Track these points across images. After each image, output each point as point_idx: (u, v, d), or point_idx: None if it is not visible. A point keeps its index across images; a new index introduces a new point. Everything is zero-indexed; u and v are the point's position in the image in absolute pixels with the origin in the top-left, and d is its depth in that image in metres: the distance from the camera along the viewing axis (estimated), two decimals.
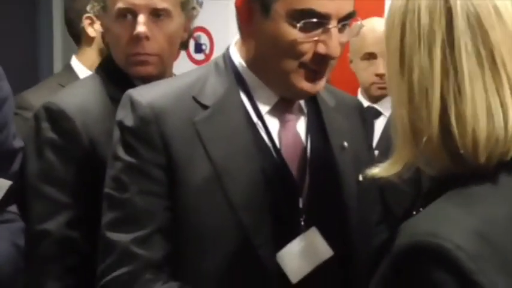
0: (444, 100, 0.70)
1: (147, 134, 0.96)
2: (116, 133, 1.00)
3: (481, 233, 0.67)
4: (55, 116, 1.17)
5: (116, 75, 1.27)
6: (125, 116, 0.97)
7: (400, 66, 0.73)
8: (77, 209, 1.16)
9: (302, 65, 0.95)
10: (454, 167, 0.72)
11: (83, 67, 1.81)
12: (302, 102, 1.06)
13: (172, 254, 1.00)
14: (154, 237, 0.98)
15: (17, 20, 2.74)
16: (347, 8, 0.94)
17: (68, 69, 1.85)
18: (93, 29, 1.76)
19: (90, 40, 1.81)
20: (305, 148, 1.05)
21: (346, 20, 0.94)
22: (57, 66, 2.66)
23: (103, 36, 1.48)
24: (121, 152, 0.98)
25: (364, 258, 1.07)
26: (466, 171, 0.71)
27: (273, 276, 0.97)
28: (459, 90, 0.69)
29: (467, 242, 0.65)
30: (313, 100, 1.08)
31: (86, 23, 1.77)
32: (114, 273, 0.97)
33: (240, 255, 0.97)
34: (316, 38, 0.92)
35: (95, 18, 1.67)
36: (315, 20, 0.90)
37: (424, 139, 0.71)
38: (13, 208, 1.24)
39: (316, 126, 1.08)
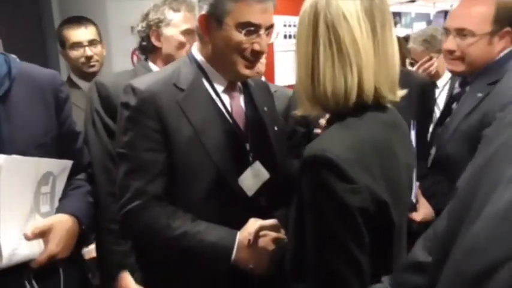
0: (313, 71, 1.00)
1: (147, 109, 1.28)
2: (123, 111, 1.31)
3: (352, 146, 0.93)
4: (99, 87, 1.71)
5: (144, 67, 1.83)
6: (129, 99, 1.30)
7: (297, 46, 1.04)
8: None
9: (244, 58, 1.33)
10: (335, 109, 1.01)
11: (76, 78, 2.29)
12: (239, 83, 1.46)
13: (169, 188, 1.32)
14: (157, 179, 1.30)
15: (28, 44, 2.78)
16: (270, 20, 1.35)
17: (69, 81, 2.29)
18: (64, 58, 2.32)
19: (67, 63, 2.33)
20: (245, 112, 1.45)
21: (270, 28, 1.35)
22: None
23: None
24: (129, 124, 1.30)
25: (286, 176, 1.49)
26: (342, 112, 1.00)
27: (237, 194, 1.35)
28: (318, 65, 0.98)
29: (343, 152, 0.90)
30: (244, 83, 1.48)
31: (61, 56, 2.33)
32: (130, 205, 1.30)
33: (215, 183, 1.32)
34: (253, 40, 1.31)
35: (61, 51, 2.32)
36: (252, 28, 1.30)
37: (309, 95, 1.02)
38: (81, 176, 1.51)
39: (249, 98, 1.49)
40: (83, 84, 2.27)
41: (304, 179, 0.94)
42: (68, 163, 1.38)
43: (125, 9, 2.69)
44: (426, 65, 2.60)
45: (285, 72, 2.89)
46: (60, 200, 1.37)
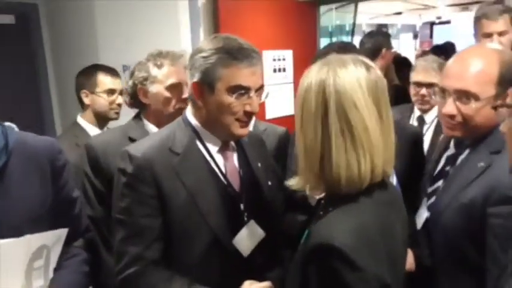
0: (322, 157, 1.01)
1: (144, 176, 1.31)
2: (120, 178, 1.34)
3: (358, 233, 0.95)
4: (88, 149, 1.81)
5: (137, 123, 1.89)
6: (126, 165, 1.33)
7: (300, 129, 1.06)
8: None
9: (237, 120, 1.38)
10: (338, 191, 1.03)
11: (86, 123, 2.34)
12: (232, 142, 1.50)
13: (165, 252, 1.34)
14: (153, 244, 1.33)
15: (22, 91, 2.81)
16: (260, 82, 1.39)
17: (76, 124, 2.36)
18: (88, 99, 2.32)
19: (87, 106, 2.34)
20: (239, 172, 1.48)
21: (259, 89, 1.39)
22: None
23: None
24: (126, 190, 1.32)
25: (280, 233, 1.53)
26: (345, 194, 1.02)
27: (232, 255, 1.38)
28: (329, 152, 1.00)
29: (350, 240, 0.93)
30: (237, 140, 1.51)
31: (82, 95, 2.34)
32: (128, 272, 1.31)
33: (210, 245, 1.35)
34: (244, 102, 1.36)
35: (88, 93, 2.33)
36: (242, 91, 1.35)
37: (309, 176, 1.06)
38: (78, 242, 1.47)
39: (242, 156, 1.52)
40: (91, 128, 2.36)
41: (313, 267, 0.96)
42: (63, 232, 1.34)
43: (116, 49, 2.72)
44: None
45: (276, 105, 2.93)
46: (55, 269, 1.34)
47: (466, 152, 1.53)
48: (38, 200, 1.32)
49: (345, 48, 1.77)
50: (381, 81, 1.04)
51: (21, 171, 1.30)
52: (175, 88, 1.82)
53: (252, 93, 1.37)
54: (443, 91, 1.48)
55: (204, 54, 1.35)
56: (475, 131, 1.46)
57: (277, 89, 3.07)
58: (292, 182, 1.13)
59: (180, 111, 1.78)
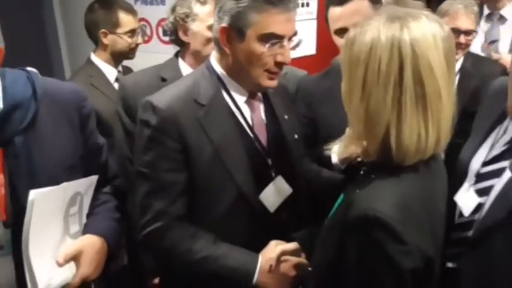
0: (388, 124, 0.92)
1: (168, 129, 1.25)
2: (143, 129, 1.28)
3: (402, 205, 0.90)
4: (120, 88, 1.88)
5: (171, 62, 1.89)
6: (149, 117, 1.26)
7: (362, 92, 0.93)
8: None
9: (266, 70, 1.30)
10: (390, 160, 0.95)
11: (101, 61, 2.22)
12: (259, 93, 1.42)
13: (190, 207, 1.32)
14: (178, 200, 1.29)
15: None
16: (293, 29, 1.30)
17: (90, 63, 2.24)
18: (107, 39, 2.18)
19: (106, 45, 2.20)
20: (266, 124, 1.41)
21: (292, 37, 1.30)
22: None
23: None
24: (150, 144, 1.27)
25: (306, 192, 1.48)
26: (391, 164, 0.95)
27: (258, 210, 1.34)
28: (399, 120, 0.90)
29: (394, 212, 0.88)
30: (264, 91, 1.43)
31: (101, 35, 2.18)
32: (152, 227, 1.29)
33: (235, 201, 1.31)
34: (276, 52, 1.27)
35: (108, 32, 2.17)
36: (275, 40, 1.25)
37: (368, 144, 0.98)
38: (107, 189, 1.45)
39: (269, 108, 1.45)
40: (106, 67, 2.24)
41: (353, 238, 0.92)
42: (93, 179, 1.34)
43: None
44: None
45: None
46: (88, 216, 1.35)
47: None
48: (70, 149, 1.29)
49: None
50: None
51: (51, 120, 1.26)
52: None
53: (285, 42, 1.28)
54: None
55: None
56: None
57: (299, 25, 2.86)
58: (336, 149, 1.07)
59: None
